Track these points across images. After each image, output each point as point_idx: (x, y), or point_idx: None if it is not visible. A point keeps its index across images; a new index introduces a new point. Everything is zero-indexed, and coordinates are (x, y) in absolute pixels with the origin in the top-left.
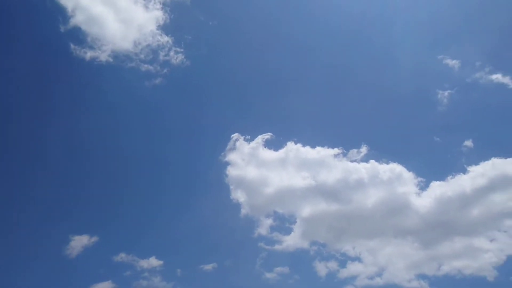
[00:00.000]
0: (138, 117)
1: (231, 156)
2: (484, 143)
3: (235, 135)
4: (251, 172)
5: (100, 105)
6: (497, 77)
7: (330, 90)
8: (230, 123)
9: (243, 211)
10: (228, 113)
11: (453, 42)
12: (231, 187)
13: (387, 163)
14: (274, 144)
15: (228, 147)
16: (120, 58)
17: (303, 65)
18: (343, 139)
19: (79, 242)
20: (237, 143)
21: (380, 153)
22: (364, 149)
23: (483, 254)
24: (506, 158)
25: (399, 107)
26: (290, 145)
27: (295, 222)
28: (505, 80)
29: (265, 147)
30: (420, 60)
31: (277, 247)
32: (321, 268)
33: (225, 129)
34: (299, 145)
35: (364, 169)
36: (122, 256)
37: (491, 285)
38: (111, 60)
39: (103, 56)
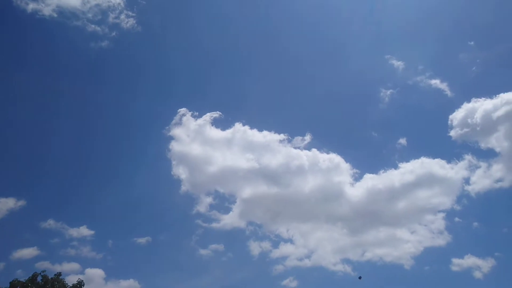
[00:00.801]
0: (79, 80)
1: (176, 131)
2: (416, 143)
3: (182, 110)
4: (195, 149)
5: (39, 61)
6: (436, 82)
7: (282, 79)
8: (178, 97)
9: (183, 187)
10: (177, 87)
11: (400, 44)
12: (173, 162)
13: (328, 153)
14: (222, 123)
15: (173, 121)
16: (65, 15)
17: (260, 51)
18: (289, 126)
19: (4, 204)
20: (184, 118)
21: (322, 142)
22: (308, 138)
23: (403, 244)
24: (434, 158)
25: (344, 101)
26: (238, 126)
27: (235, 202)
28: (443, 86)
29: (212, 125)
30: (368, 57)
31: (214, 225)
32: (255, 248)
33: (172, 102)
34: (246, 127)
35: (305, 156)
36: (50, 223)
37: (407, 273)
38: (55, 15)
39: (47, 10)
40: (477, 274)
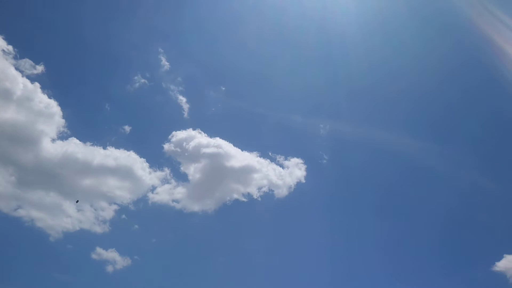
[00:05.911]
0: None
1: None
2: (135, 136)
3: None
4: None
5: None
6: (182, 100)
7: None
8: None
9: None
10: None
11: (178, 48)
12: None
13: (50, 98)
14: None
15: None
16: None
17: None
18: (25, 39)
19: None
20: None
21: (55, 82)
22: (40, 68)
23: (63, 218)
24: (141, 157)
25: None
26: None
27: None
28: (185, 106)
29: None
30: (144, 40)
31: None
32: None
33: None
34: None
35: (22, 85)
36: None
37: (51, 244)
38: None
39: None
40: (110, 268)
